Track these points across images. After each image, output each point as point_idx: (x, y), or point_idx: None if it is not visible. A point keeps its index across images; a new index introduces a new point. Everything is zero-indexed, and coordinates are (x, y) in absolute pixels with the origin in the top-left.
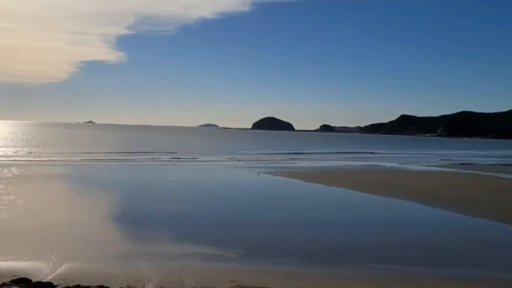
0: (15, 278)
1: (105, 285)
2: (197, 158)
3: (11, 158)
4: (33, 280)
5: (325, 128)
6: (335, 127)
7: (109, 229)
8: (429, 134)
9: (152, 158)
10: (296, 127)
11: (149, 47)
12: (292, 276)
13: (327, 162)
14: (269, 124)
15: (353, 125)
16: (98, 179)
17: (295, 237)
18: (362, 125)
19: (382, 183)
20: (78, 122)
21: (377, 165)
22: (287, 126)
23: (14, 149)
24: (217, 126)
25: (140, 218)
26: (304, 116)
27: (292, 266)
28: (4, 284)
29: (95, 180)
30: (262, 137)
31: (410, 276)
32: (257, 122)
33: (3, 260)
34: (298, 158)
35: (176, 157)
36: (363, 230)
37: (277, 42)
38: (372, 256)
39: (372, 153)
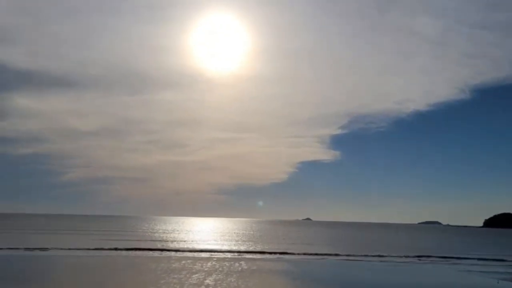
0: None
1: None
2: (417, 260)
3: (241, 254)
4: None
5: None
6: None
7: None
8: None
9: (369, 259)
10: None
11: (363, 144)
12: None
13: None
14: (506, 221)
15: None
16: (318, 276)
17: None
18: None
19: None
20: (297, 219)
21: None
22: None
23: (244, 245)
24: (440, 223)
25: None
26: None
27: None
28: None
29: (316, 277)
30: (497, 236)
31: None
32: (489, 219)
33: None
34: None
35: (393, 258)
36: None
37: (507, 127)
38: None
39: None
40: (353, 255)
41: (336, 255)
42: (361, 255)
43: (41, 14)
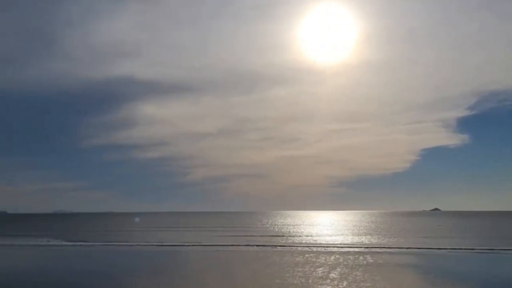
0: None
1: None
2: None
3: (365, 247)
4: None
5: None
6: None
7: None
8: None
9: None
10: None
11: (495, 124)
12: None
13: None
14: None
15: None
16: (454, 270)
17: None
18: None
19: None
20: (424, 210)
21: None
22: None
23: (368, 238)
24: None
25: None
26: None
27: None
28: None
29: (451, 271)
30: None
31: None
32: None
33: None
34: None
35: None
36: None
37: None
38: None
39: None
40: (492, 248)
41: (472, 249)
42: (502, 249)
43: (158, 27)
